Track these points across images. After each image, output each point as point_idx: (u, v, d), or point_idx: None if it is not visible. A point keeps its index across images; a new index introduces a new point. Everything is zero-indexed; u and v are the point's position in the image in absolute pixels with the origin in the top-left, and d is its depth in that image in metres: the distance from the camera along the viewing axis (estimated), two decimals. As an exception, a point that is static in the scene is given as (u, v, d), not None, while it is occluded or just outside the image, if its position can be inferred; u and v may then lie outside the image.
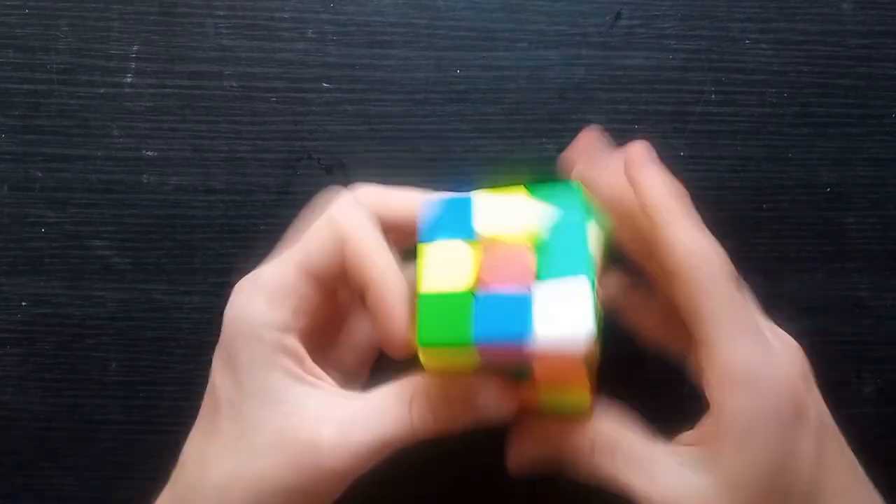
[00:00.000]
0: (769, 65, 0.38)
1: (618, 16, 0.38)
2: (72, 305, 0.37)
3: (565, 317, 0.26)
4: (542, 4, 0.38)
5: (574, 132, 0.38)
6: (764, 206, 0.38)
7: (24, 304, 0.37)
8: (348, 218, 0.29)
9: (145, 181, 0.38)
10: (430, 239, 0.28)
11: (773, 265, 0.38)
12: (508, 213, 0.29)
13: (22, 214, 0.37)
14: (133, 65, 0.38)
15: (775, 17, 0.38)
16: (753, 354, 0.27)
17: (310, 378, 0.29)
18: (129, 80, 0.38)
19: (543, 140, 0.38)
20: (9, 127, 0.38)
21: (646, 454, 0.28)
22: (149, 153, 0.38)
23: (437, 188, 0.35)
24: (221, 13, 0.38)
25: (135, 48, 0.38)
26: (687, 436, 0.29)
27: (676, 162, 0.38)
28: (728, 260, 0.28)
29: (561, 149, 0.38)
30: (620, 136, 0.38)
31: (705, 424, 0.29)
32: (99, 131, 0.38)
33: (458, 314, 0.27)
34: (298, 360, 0.29)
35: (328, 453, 0.27)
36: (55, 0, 0.38)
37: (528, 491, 0.36)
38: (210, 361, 0.37)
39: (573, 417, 0.29)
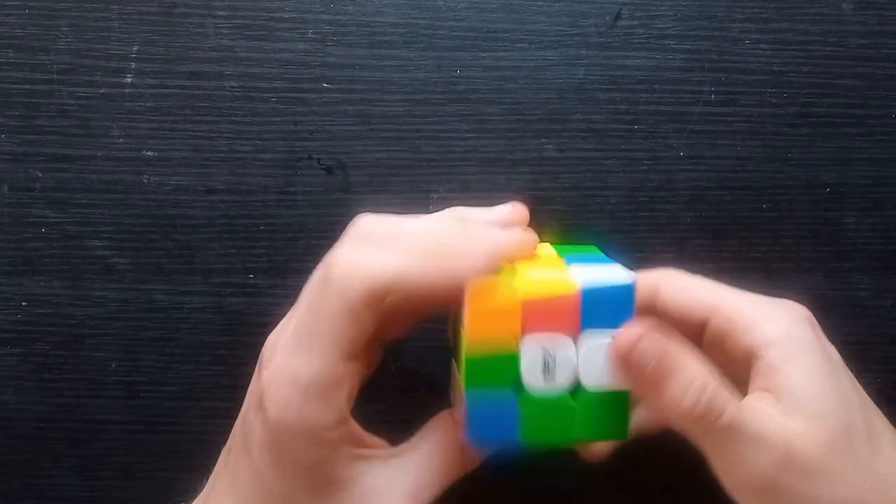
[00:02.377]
0: (769, 65, 0.38)
1: (618, 16, 0.38)
2: (72, 305, 0.37)
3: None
4: (542, 4, 0.38)
5: (574, 132, 0.38)
6: (764, 206, 0.38)
7: (24, 304, 0.37)
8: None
9: (145, 181, 0.38)
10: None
11: (773, 265, 0.38)
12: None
13: (22, 214, 0.37)
14: (133, 65, 0.38)
15: (775, 17, 0.38)
16: (761, 298, 0.30)
17: (367, 452, 0.29)
18: (129, 80, 0.38)
19: (543, 140, 0.38)
20: (9, 127, 0.38)
21: (749, 399, 0.28)
22: (149, 153, 0.38)
23: (436, 188, 0.35)
24: (221, 13, 0.38)
25: (135, 48, 0.38)
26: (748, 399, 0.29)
27: (676, 162, 0.38)
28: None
29: (561, 149, 0.38)
30: (621, 136, 0.38)
31: (755, 377, 0.29)
32: (99, 131, 0.38)
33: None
34: (357, 441, 0.29)
35: None
36: (55, 0, 0.38)
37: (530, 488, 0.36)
38: (210, 362, 0.37)
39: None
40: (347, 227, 0.29)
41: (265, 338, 0.35)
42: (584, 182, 0.38)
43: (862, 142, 0.38)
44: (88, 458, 0.37)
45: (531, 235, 0.30)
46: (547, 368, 0.27)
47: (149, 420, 0.37)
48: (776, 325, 0.29)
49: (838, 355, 0.30)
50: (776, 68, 0.38)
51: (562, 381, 0.27)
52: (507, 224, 0.31)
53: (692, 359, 0.27)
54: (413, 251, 0.27)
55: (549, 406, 0.27)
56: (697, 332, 0.31)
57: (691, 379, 0.27)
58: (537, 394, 0.27)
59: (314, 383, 0.27)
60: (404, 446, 0.30)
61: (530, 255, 0.30)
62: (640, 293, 0.28)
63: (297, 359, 0.27)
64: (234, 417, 0.32)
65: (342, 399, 0.27)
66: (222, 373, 0.37)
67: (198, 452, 0.36)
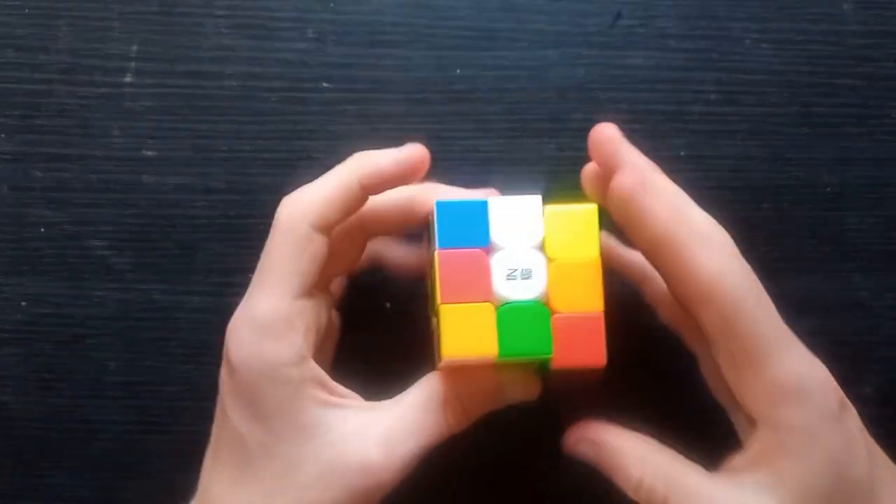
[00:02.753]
0: (769, 65, 0.38)
1: (618, 16, 0.38)
2: (72, 305, 0.37)
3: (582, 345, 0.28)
4: (542, 4, 0.38)
5: (574, 132, 0.38)
6: (764, 206, 0.38)
7: (24, 304, 0.37)
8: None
9: (145, 181, 0.38)
10: (445, 246, 0.28)
11: (773, 265, 0.38)
12: (522, 219, 0.29)
13: (22, 214, 0.37)
14: (133, 64, 0.38)
15: (776, 17, 0.38)
16: (801, 364, 0.27)
17: (337, 400, 0.29)
18: (128, 79, 0.38)
19: (543, 140, 0.38)
20: (9, 127, 0.38)
21: (703, 488, 0.28)
22: (149, 153, 0.38)
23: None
24: (221, 13, 0.38)
25: (134, 48, 0.38)
26: (739, 460, 0.29)
27: (676, 162, 0.38)
28: (748, 270, 0.28)
29: (561, 148, 0.38)
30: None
31: (757, 442, 0.28)
32: (99, 131, 0.38)
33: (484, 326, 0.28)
34: (323, 385, 0.29)
35: (379, 472, 0.28)
36: (55, 0, 0.38)
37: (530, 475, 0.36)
38: (210, 362, 0.37)
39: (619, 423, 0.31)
40: None
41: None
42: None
43: (862, 142, 0.38)
44: (88, 458, 0.37)
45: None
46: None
47: (149, 420, 0.37)
48: (804, 410, 0.27)
49: (857, 427, 0.28)
50: (777, 68, 0.38)
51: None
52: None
53: (626, 456, 0.29)
54: (336, 173, 0.30)
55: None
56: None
57: (627, 477, 0.28)
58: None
59: (268, 321, 0.28)
60: (384, 401, 0.30)
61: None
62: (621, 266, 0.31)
63: (252, 300, 0.29)
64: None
65: (298, 336, 0.28)
66: (222, 373, 0.37)
67: (198, 452, 0.36)
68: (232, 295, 0.37)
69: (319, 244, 0.29)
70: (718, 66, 0.38)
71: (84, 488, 0.37)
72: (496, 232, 0.29)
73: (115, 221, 0.37)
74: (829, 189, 0.38)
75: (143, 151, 0.38)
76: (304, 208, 0.29)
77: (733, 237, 0.29)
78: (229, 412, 0.29)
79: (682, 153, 0.38)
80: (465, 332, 0.28)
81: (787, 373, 0.27)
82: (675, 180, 0.38)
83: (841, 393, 0.28)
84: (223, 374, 0.29)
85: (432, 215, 0.29)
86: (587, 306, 0.28)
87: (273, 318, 0.28)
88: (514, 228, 0.29)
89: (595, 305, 0.29)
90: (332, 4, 0.38)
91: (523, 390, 0.31)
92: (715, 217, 0.38)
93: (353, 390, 0.30)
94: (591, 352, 0.28)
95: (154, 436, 0.37)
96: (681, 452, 0.29)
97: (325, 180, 0.30)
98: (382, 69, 0.38)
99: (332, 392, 0.29)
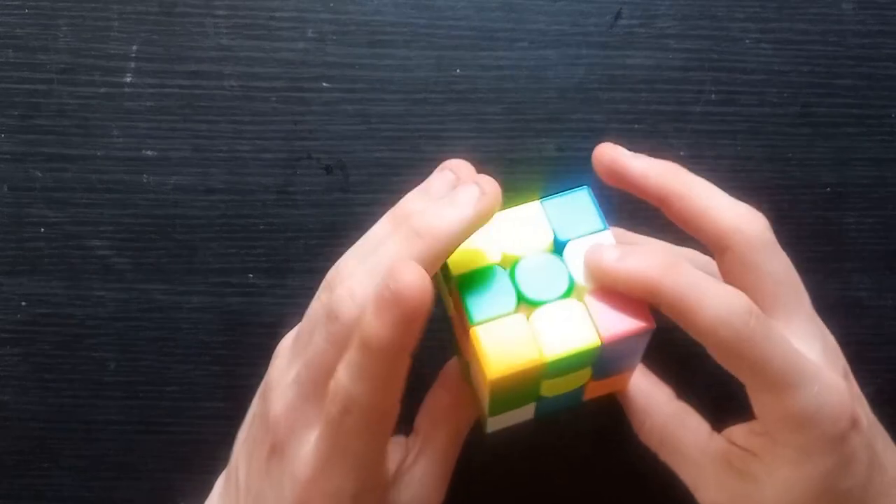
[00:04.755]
0: (769, 65, 0.38)
1: (618, 16, 0.38)
2: (72, 305, 0.37)
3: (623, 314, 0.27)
4: (542, 4, 0.38)
5: (574, 132, 0.38)
6: (764, 205, 0.38)
7: (24, 304, 0.37)
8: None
9: (145, 181, 0.38)
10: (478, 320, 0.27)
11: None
12: (528, 226, 0.29)
13: (22, 214, 0.37)
14: (133, 64, 0.38)
15: (775, 16, 0.38)
16: (819, 396, 0.27)
17: (396, 473, 0.30)
18: (128, 79, 0.38)
19: (543, 140, 0.38)
20: (8, 127, 0.38)
21: (696, 453, 0.30)
22: (149, 153, 0.38)
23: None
24: (221, 13, 0.38)
25: (134, 48, 0.38)
26: (738, 435, 0.29)
27: (676, 162, 0.38)
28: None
29: (561, 148, 0.38)
30: (621, 136, 0.38)
31: (756, 432, 0.28)
32: (99, 131, 0.38)
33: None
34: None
35: None
36: (55, 0, 0.38)
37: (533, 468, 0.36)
38: (210, 362, 0.37)
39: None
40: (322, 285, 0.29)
41: (265, 338, 0.35)
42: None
43: (862, 142, 0.38)
44: (88, 458, 0.37)
45: (483, 195, 0.28)
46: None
47: (148, 420, 0.37)
48: (801, 436, 0.27)
49: (868, 419, 0.29)
50: (776, 68, 0.38)
51: None
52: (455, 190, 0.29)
53: (637, 399, 0.31)
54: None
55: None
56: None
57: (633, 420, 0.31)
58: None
59: (359, 494, 0.27)
60: (417, 446, 0.30)
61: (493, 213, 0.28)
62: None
63: (335, 479, 0.27)
64: (233, 418, 0.32)
65: (385, 482, 0.29)
66: (221, 373, 0.37)
67: (198, 452, 0.36)
68: (232, 295, 0.37)
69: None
70: (718, 66, 0.38)
71: (84, 488, 0.37)
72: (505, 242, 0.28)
73: (115, 221, 0.37)
74: (828, 189, 0.38)
75: (144, 151, 0.38)
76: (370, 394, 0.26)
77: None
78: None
79: (681, 153, 0.38)
80: (506, 347, 0.26)
81: (803, 406, 0.26)
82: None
83: (856, 411, 0.27)
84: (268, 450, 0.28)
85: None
86: None
87: (363, 489, 0.27)
88: (523, 235, 0.28)
89: None
90: (331, 4, 0.38)
91: None
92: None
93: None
94: (637, 315, 0.27)
95: (154, 436, 0.37)
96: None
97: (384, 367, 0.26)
98: (382, 69, 0.38)
99: (392, 464, 0.30)
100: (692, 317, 0.26)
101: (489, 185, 0.27)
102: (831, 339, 0.30)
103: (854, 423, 0.27)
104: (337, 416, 0.26)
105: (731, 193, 0.38)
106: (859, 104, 0.38)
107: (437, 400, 0.31)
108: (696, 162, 0.38)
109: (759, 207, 0.38)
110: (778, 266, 0.29)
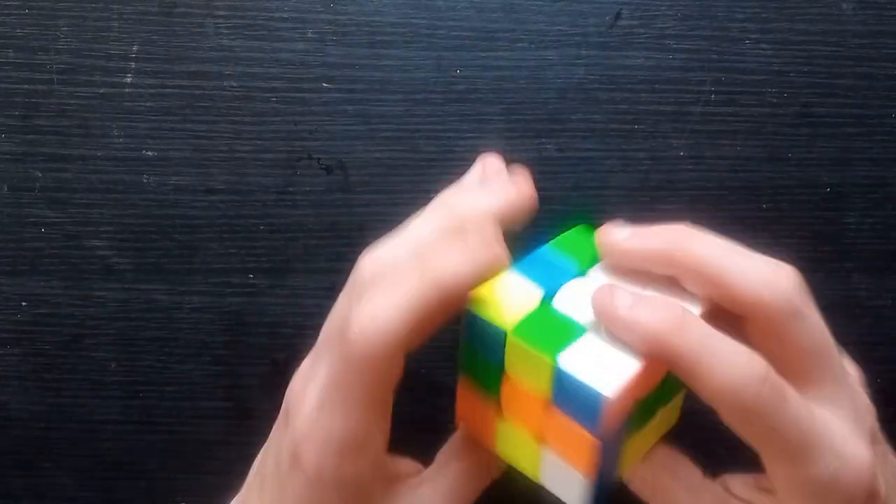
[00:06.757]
0: (769, 65, 0.38)
1: (618, 16, 0.38)
2: (72, 305, 0.37)
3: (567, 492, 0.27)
4: (542, 4, 0.38)
5: (574, 132, 0.38)
6: (764, 206, 0.38)
7: (24, 304, 0.37)
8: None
9: (145, 181, 0.38)
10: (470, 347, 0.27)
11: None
12: (534, 368, 0.26)
13: (22, 214, 0.37)
14: (133, 65, 0.38)
15: (775, 17, 0.38)
16: (840, 464, 0.25)
17: (399, 485, 0.30)
18: (129, 80, 0.38)
19: (543, 140, 0.38)
20: (9, 127, 0.38)
21: (685, 499, 0.28)
22: (149, 153, 0.38)
23: (436, 188, 0.35)
24: (221, 13, 0.38)
25: (135, 48, 0.38)
26: (738, 486, 0.29)
27: (676, 162, 0.38)
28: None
29: (561, 149, 0.38)
30: (621, 136, 0.38)
31: (762, 488, 0.28)
32: (99, 131, 0.38)
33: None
34: (387, 475, 0.29)
35: None
36: (55, 0, 0.38)
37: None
38: (210, 362, 0.37)
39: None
40: (352, 275, 0.28)
41: (265, 338, 0.35)
42: (584, 182, 0.38)
43: (862, 142, 0.38)
44: (88, 458, 0.37)
45: (517, 187, 0.30)
46: None
47: (149, 420, 0.37)
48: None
49: (888, 478, 0.28)
50: (776, 68, 0.38)
51: None
52: (488, 181, 0.31)
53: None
54: (418, 284, 0.26)
55: None
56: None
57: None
58: None
59: (349, 441, 0.27)
60: (431, 471, 0.30)
61: (528, 204, 0.29)
62: (651, 256, 0.28)
63: (330, 418, 0.27)
64: (234, 417, 0.32)
65: (378, 447, 0.28)
66: (222, 373, 0.37)
67: (198, 452, 0.36)
68: (232, 295, 0.37)
69: (403, 363, 0.27)
70: (718, 66, 0.38)
71: (84, 488, 0.37)
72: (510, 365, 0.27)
73: (116, 222, 0.37)
74: (828, 189, 0.38)
75: (144, 152, 0.38)
76: (396, 332, 0.26)
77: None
78: (290, 492, 0.28)
79: (681, 153, 0.38)
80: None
81: (818, 478, 0.25)
82: (676, 180, 0.38)
83: (875, 484, 0.26)
84: (293, 477, 0.28)
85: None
86: (576, 465, 0.27)
87: (353, 438, 0.27)
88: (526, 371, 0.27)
89: (583, 470, 0.27)
90: (332, 5, 0.38)
91: None
92: (715, 217, 0.38)
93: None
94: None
95: (154, 436, 0.37)
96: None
97: (414, 295, 0.26)
98: (382, 69, 0.38)
99: (394, 478, 0.30)
100: (700, 381, 0.24)
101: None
102: (862, 401, 0.28)
103: (871, 496, 0.26)
104: (338, 346, 0.26)
105: (731, 193, 0.38)
106: (859, 104, 0.38)
107: (458, 434, 0.31)
108: (696, 162, 0.38)
109: (758, 207, 0.38)
110: (807, 335, 0.27)
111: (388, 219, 0.30)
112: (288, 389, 0.29)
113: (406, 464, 0.31)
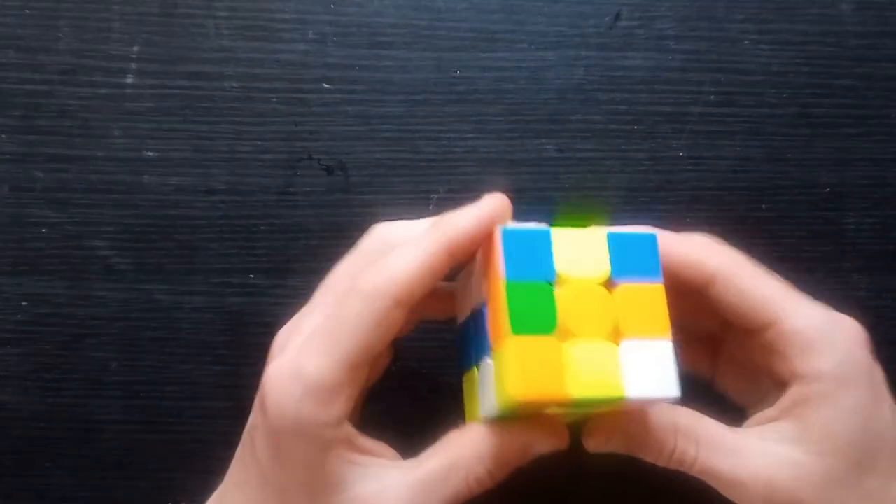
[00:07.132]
0: (768, 65, 0.38)
1: (617, 17, 0.38)
2: (72, 305, 0.37)
3: (653, 377, 0.27)
4: (542, 5, 0.38)
5: (574, 133, 0.38)
6: (763, 206, 0.38)
7: (24, 304, 0.37)
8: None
9: (146, 181, 0.38)
10: (513, 278, 0.27)
11: (772, 265, 0.38)
12: (586, 252, 0.28)
13: (22, 214, 0.37)
14: (134, 65, 0.38)
15: (775, 17, 0.38)
16: (823, 315, 0.29)
17: (362, 458, 0.29)
18: (129, 80, 0.38)
19: (543, 140, 0.38)
20: (9, 127, 0.38)
21: (728, 438, 0.29)
22: (149, 154, 0.38)
23: (436, 188, 0.35)
24: (222, 14, 0.38)
25: (135, 49, 0.38)
26: (764, 414, 0.30)
27: (675, 162, 0.38)
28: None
29: (561, 149, 0.38)
30: (621, 136, 0.38)
31: (787, 397, 0.29)
32: (100, 132, 0.38)
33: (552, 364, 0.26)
34: (351, 443, 0.29)
35: None
36: (55, 0, 0.38)
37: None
38: (210, 362, 0.37)
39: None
40: (364, 240, 0.30)
41: (266, 337, 0.35)
42: (584, 182, 0.38)
43: (862, 142, 0.38)
44: (88, 458, 0.37)
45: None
46: None
47: (149, 420, 0.37)
48: (830, 357, 0.28)
49: (884, 382, 0.29)
50: (775, 69, 0.38)
51: None
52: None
53: (655, 430, 0.29)
54: (429, 240, 0.28)
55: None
56: (745, 331, 0.30)
57: (661, 450, 0.29)
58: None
59: (317, 384, 0.27)
60: (410, 461, 0.29)
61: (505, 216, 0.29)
62: (692, 276, 0.30)
63: (307, 357, 0.27)
64: (234, 417, 0.32)
65: (343, 402, 0.28)
66: (222, 373, 0.37)
67: (198, 452, 0.36)
68: (232, 295, 0.37)
69: (396, 319, 0.27)
70: (717, 67, 0.38)
71: (84, 488, 0.37)
72: (560, 263, 0.27)
73: (116, 222, 0.38)
74: (827, 189, 0.38)
75: (144, 152, 0.38)
76: (391, 281, 0.27)
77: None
78: (259, 451, 0.28)
79: (681, 154, 0.38)
80: (534, 371, 0.26)
81: (809, 324, 0.28)
82: (676, 180, 0.38)
83: (871, 352, 0.29)
84: (256, 408, 0.29)
85: (489, 252, 0.28)
86: (655, 332, 0.27)
87: (324, 383, 0.27)
88: (579, 260, 0.27)
89: (662, 331, 0.27)
90: (332, 6, 0.38)
91: (553, 441, 0.29)
92: (714, 217, 0.38)
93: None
94: (662, 381, 0.26)
95: (154, 436, 0.37)
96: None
97: (413, 252, 0.27)
98: (382, 70, 0.38)
99: (359, 450, 0.29)
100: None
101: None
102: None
103: (874, 360, 0.28)
104: (341, 293, 0.28)
105: (730, 194, 0.38)
106: (858, 104, 0.38)
107: (450, 435, 0.30)
108: (696, 162, 0.38)
109: (758, 207, 0.38)
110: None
111: (388, 219, 0.30)
112: (275, 339, 0.30)
113: (382, 447, 0.30)
